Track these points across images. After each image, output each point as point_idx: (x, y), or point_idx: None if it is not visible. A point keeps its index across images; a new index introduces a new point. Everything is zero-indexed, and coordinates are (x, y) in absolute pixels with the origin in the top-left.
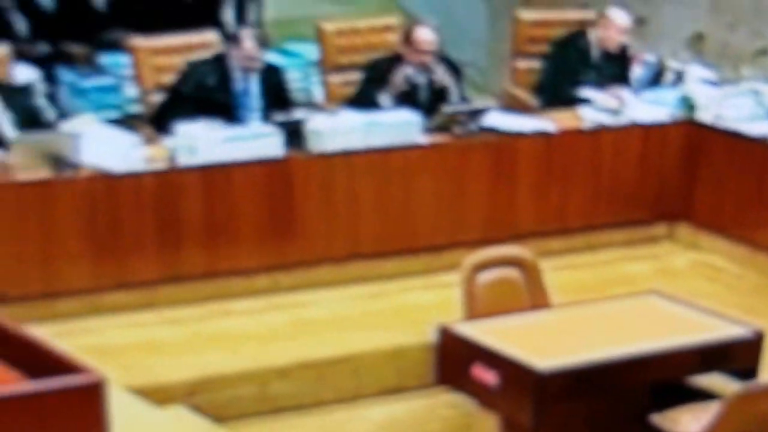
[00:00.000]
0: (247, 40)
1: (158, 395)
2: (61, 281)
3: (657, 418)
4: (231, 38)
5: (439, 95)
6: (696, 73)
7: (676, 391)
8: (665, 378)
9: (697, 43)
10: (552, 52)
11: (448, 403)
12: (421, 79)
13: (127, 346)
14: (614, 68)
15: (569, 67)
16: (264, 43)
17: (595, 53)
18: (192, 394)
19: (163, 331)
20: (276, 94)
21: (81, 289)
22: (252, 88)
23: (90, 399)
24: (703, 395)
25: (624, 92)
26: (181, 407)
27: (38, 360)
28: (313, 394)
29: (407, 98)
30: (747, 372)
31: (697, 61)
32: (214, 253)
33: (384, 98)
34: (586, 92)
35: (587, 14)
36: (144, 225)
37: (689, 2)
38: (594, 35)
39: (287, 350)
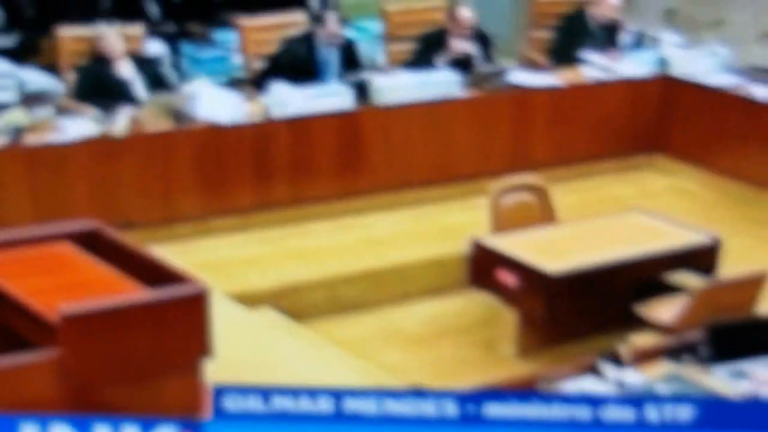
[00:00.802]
0: (332, 21)
1: (250, 299)
2: (177, 210)
3: (639, 309)
4: (318, 19)
5: (471, 61)
6: (669, 39)
7: (654, 286)
8: (646, 276)
9: (669, 16)
10: (560, 24)
11: (478, 301)
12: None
13: (228, 261)
14: (607, 36)
15: (573, 35)
16: (343, 22)
17: (592, 25)
18: (277, 298)
19: (256, 248)
20: (350, 61)
21: (193, 216)
22: (333, 58)
23: (196, 304)
24: (675, 289)
25: (614, 54)
26: (268, 308)
27: (157, 274)
28: (372, 296)
29: (452, 63)
30: (708, 269)
31: (669, 30)
32: (298, 186)
33: (439, 61)
34: (585, 55)
35: None
36: (243, 165)
37: None
38: (592, 11)
39: (352, 261)
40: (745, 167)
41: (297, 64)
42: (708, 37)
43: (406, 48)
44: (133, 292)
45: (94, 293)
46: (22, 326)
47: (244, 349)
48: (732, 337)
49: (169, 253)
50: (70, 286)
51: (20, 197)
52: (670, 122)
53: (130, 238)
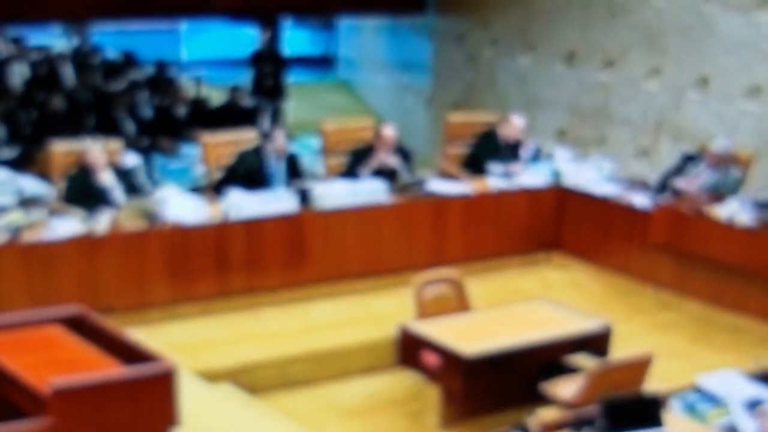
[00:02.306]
0: (280, 137)
1: (212, 376)
2: (149, 297)
3: (544, 387)
4: (267, 136)
5: (395, 171)
6: (561, 154)
7: (556, 367)
8: (548, 358)
9: (561, 135)
10: (474, 142)
11: (406, 378)
12: (386, 161)
13: (192, 342)
14: (512, 152)
15: (484, 150)
16: (288, 138)
17: (501, 142)
18: (235, 375)
19: (216, 332)
20: (294, 171)
21: (163, 303)
22: (280, 169)
23: (166, 380)
24: (574, 369)
25: (517, 167)
26: (228, 384)
27: (132, 353)
28: (316, 373)
29: (378, 173)
30: (601, 352)
31: (561, 146)
32: (252, 277)
33: (364, 172)
34: (492, 167)
35: (493, 116)
36: (205, 259)
37: (556, 109)
38: (501, 131)
39: (299, 343)
40: (628, 263)
41: (249, 173)
42: (593, 153)
43: (341, 161)
44: (112, 369)
45: (79, 369)
46: (18, 397)
47: (207, 420)
48: (622, 411)
49: (143, 334)
50: (59, 362)
51: (17, 286)
52: (564, 225)
53: (110, 322)
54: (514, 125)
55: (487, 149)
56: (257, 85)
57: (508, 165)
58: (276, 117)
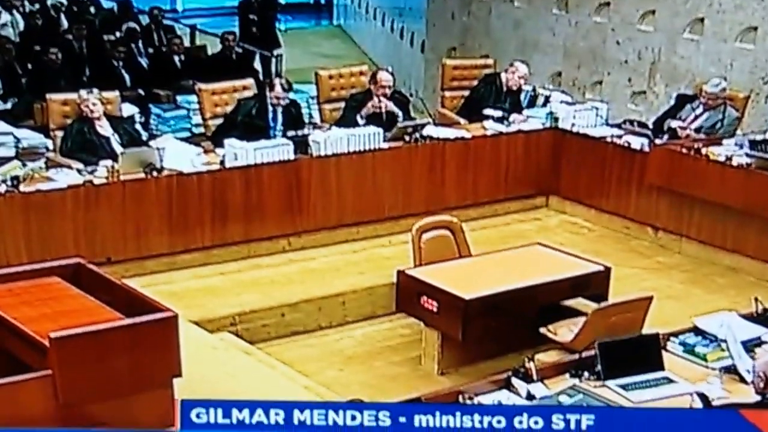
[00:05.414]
0: (278, 86)
1: (211, 325)
2: (148, 247)
3: (543, 330)
4: (266, 84)
5: (392, 117)
6: (557, 97)
7: (555, 310)
8: (548, 301)
9: (557, 78)
10: (476, 86)
11: (405, 324)
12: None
13: (191, 291)
14: (513, 100)
15: (484, 96)
16: (290, 86)
17: (502, 88)
18: (234, 324)
19: (215, 280)
20: (293, 119)
21: (161, 253)
22: (278, 116)
23: (167, 329)
24: (573, 313)
25: (518, 117)
26: (226, 333)
27: (133, 303)
28: (314, 321)
29: (375, 119)
30: (600, 296)
31: (557, 90)
32: (249, 225)
33: (359, 119)
34: (491, 113)
35: (488, 62)
36: (203, 208)
37: (551, 52)
38: (504, 77)
39: (297, 291)
40: (626, 206)
41: (248, 122)
42: (589, 95)
43: (337, 107)
44: (112, 319)
45: (79, 321)
46: (19, 349)
47: (207, 368)
48: (622, 354)
49: (142, 284)
50: (58, 314)
51: (15, 237)
52: (562, 168)
53: (109, 272)
54: (520, 72)
55: (488, 94)
56: (244, 33)
57: (508, 114)
58: (267, 65)
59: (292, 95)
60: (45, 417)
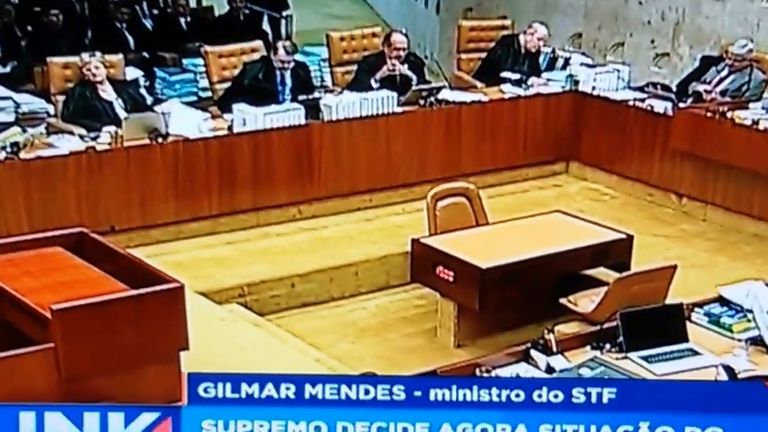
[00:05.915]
0: (281, 49)
1: (219, 296)
2: (153, 216)
3: (563, 300)
4: (272, 47)
5: (406, 80)
6: (577, 59)
7: (575, 280)
8: (568, 270)
9: (577, 40)
10: (494, 47)
11: (420, 295)
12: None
13: (198, 261)
14: (531, 62)
15: (502, 58)
16: (294, 49)
17: (521, 50)
18: (242, 295)
19: (223, 250)
20: (302, 82)
21: (167, 221)
22: (286, 79)
23: (173, 300)
24: (594, 283)
25: (536, 80)
26: (235, 304)
27: (137, 274)
28: (326, 292)
29: (389, 83)
30: (622, 265)
31: (577, 52)
32: (258, 193)
33: (373, 82)
34: (509, 75)
35: (505, 23)
36: (210, 175)
37: (571, 13)
38: (522, 38)
39: (308, 261)
40: (648, 171)
41: (255, 85)
42: (610, 57)
43: (349, 69)
44: (116, 290)
45: (83, 292)
46: (20, 322)
47: (214, 341)
48: (644, 324)
49: (146, 254)
50: (61, 285)
51: (15, 205)
52: (582, 133)
53: (113, 242)
54: (541, 33)
55: (506, 57)
56: None
57: (526, 77)
58: (277, 27)
59: (302, 58)
60: (47, 391)
